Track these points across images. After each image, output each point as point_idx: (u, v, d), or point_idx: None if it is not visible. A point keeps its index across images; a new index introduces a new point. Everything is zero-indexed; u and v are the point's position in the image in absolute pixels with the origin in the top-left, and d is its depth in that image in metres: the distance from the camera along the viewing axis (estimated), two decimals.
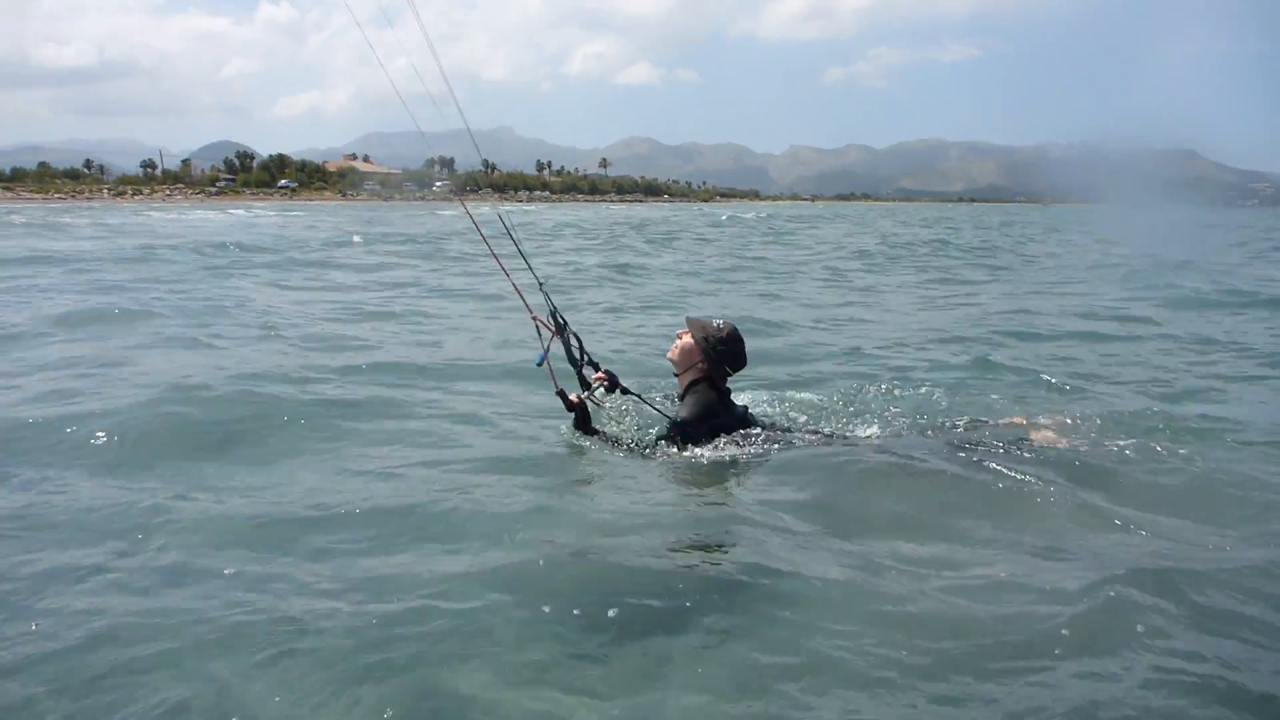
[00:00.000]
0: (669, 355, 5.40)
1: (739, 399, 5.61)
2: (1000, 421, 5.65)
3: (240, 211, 61.63)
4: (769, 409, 6.11)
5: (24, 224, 37.55)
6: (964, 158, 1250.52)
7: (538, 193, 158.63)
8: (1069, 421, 5.60)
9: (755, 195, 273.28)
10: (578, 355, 5.46)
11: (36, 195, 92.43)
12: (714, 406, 5.19)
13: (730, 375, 5.29)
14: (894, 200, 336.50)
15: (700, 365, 5.21)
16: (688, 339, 5.28)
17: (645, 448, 5.11)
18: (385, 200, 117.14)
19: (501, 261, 5.33)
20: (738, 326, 5.35)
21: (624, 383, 5.47)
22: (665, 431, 5.16)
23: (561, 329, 5.41)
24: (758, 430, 5.24)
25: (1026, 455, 4.89)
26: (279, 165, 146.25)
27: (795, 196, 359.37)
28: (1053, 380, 7.46)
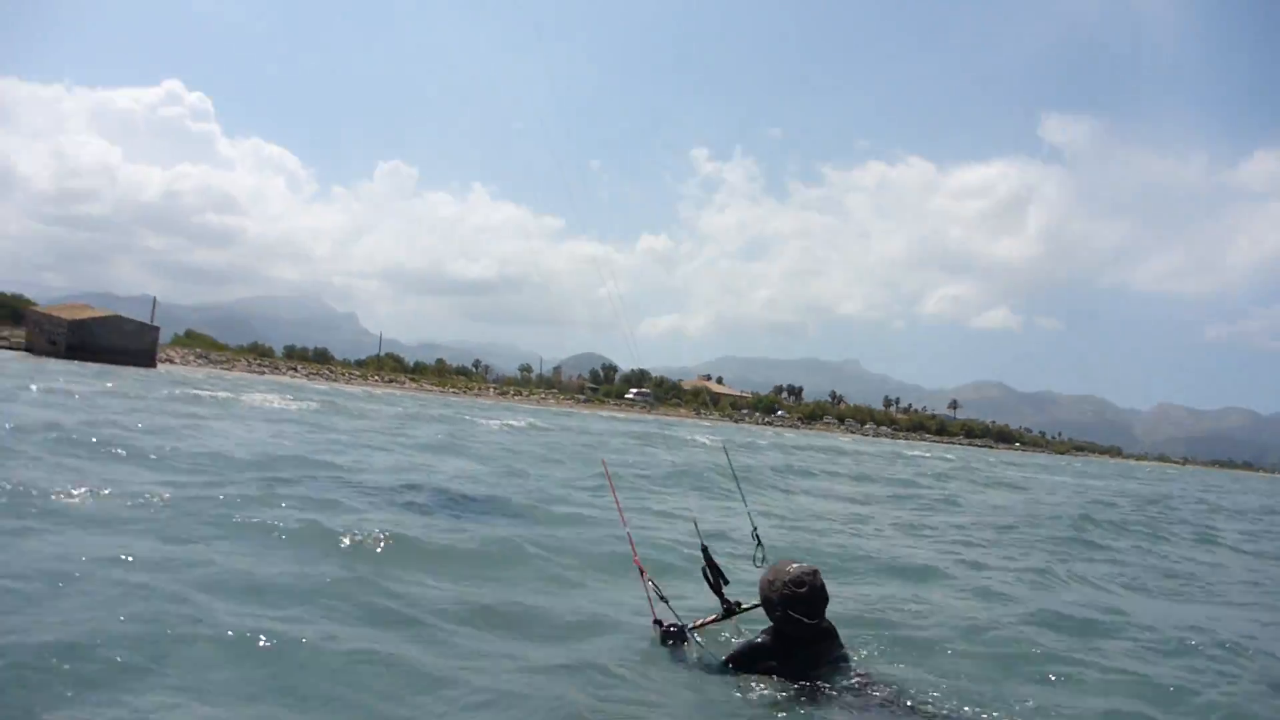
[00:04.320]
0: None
1: None
2: None
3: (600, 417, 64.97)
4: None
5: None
6: None
7: (884, 428, 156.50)
8: None
9: (1117, 452, 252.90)
10: (715, 580, 6.03)
11: (435, 386, 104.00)
12: (757, 650, 5.35)
13: (805, 622, 5.22)
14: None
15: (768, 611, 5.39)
16: None
17: (700, 670, 5.53)
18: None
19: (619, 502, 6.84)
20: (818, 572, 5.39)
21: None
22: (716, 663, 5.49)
23: (707, 556, 6.09)
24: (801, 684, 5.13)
25: None
26: (639, 379, 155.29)
27: (1163, 457, 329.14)
28: None
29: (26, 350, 64.71)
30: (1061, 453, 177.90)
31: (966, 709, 5.34)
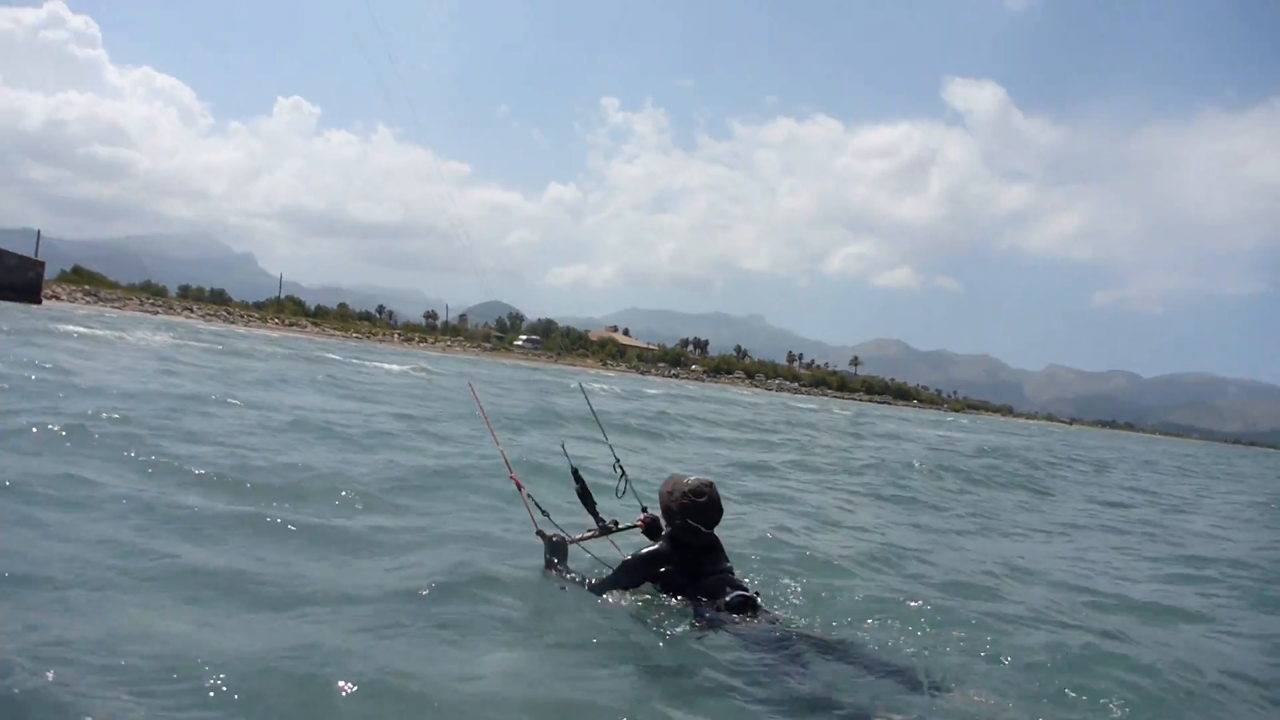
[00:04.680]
0: (661, 512, 5.80)
1: None
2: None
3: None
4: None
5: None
6: (1242, 397, 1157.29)
7: (786, 382, 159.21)
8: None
9: (1008, 411, 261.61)
10: (587, 499, 6.35)
11: (338, 332, 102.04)
12: (656, 556, 5.51)
13: (701, 530, 5.51)
14: (1161, 434, 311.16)
15: (668, 521, 5.63)
16: None
17: (590, 584, 5.62)
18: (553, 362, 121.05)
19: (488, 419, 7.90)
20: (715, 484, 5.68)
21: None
22: (609, 575, 5.64)
23: (577, 477, 6.37)
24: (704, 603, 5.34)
25: None
26: (545, 329, 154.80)
27: (1050, 417, 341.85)
28: None
29: None
30: (957, 410, 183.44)
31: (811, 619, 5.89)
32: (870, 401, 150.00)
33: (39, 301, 65.57)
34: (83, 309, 67.58)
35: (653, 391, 50.82)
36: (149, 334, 37.03)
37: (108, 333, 32.86)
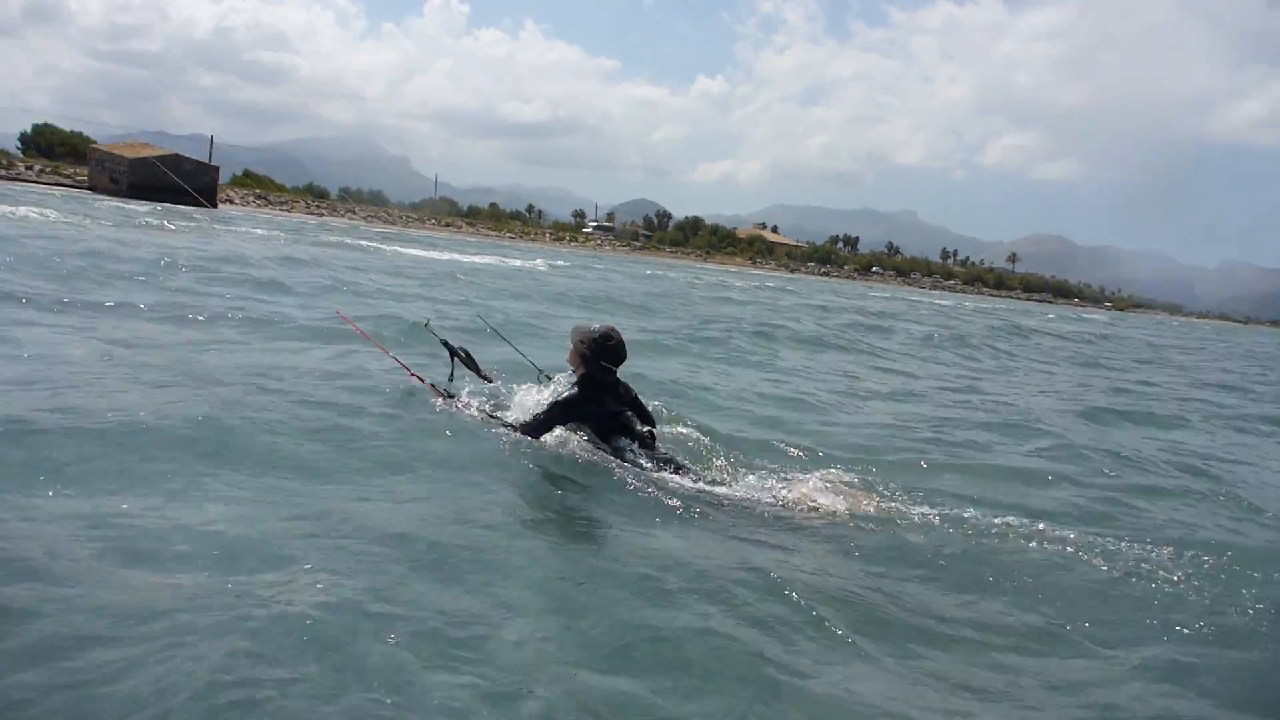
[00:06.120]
0: (567, 359, 6.36)
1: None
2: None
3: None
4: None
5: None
6: None
7: (945, 280, 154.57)
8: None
9: (1177, 310, 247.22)
10: (476, 369, 7.45)
11: (492, 232, 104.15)
12: (578, 400, 6.14)
13: (611, 370, 6.14)
14: None
15: (580, 365, 6.20)
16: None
17: (521, 427, 6.17)
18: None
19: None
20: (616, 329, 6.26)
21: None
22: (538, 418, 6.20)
23: (454, 353, 7.38)
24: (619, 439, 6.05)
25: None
26: (693, 227, 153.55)
27: (1224, 316, 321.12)
28: None
29: (89, 189, 65.22)
30: (1121, 309, 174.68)
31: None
32: (1029, 300, 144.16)
33: (215, 205, 68.91)
34: (262, 213, 70.74)
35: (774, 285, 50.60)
36: (317, 235, 38.67)
37: (279, 234, 34.42)
